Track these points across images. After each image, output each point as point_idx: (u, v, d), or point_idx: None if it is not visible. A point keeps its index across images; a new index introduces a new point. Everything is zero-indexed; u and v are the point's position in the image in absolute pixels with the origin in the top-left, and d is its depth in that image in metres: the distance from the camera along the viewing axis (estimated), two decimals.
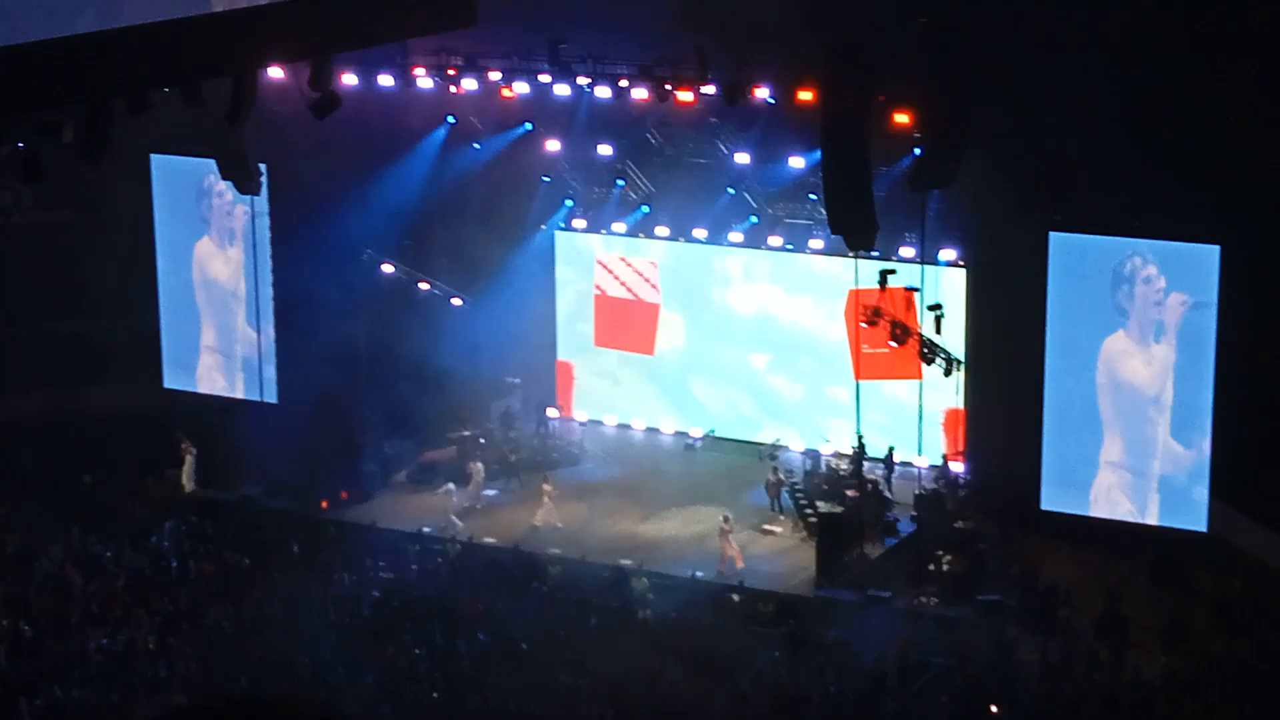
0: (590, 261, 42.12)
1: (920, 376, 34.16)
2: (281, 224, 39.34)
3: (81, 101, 23.62)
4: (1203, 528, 32.88)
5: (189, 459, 38.55)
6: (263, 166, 35.45)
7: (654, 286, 41.55)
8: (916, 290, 32.73)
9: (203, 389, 41.55)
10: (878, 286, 32.39)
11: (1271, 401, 31.43)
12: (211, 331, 41.44)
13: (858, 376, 36.43)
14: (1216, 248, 31.99)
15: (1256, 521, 32.51)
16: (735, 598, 33.02)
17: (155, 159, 40.78)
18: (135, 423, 39.11)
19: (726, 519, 34.68)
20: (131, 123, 28.35)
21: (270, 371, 40.06)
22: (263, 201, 38.76)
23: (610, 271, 41.83)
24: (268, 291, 39.81)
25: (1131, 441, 33.69)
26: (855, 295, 35.11)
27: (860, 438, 35.69)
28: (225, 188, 39.13)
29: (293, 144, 35.81)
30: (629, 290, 41.76)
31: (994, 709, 28.82)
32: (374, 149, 38.16)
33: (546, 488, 36.97)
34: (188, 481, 38.58)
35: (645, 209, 40.55)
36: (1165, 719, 28.27)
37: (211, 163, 35.64)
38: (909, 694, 29.46)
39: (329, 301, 37.05)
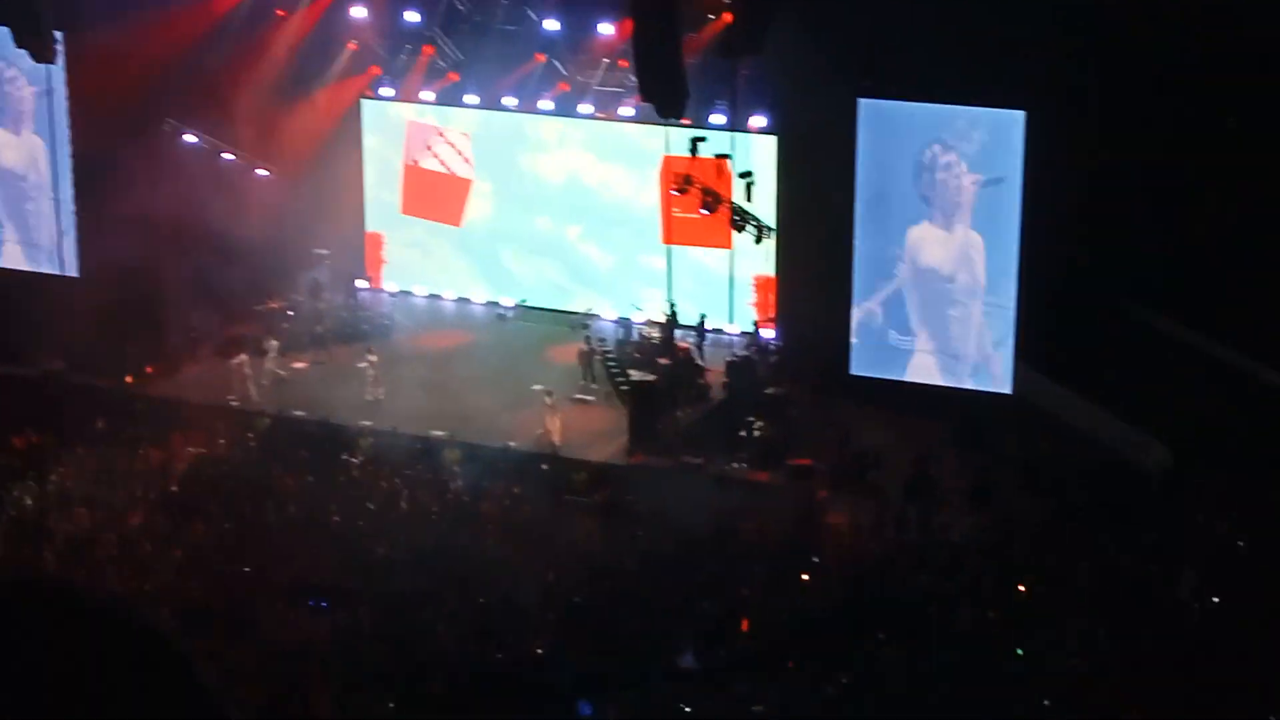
0: (398, 130, 41.54)
1: (731, 245, 34.18)
2: (79, 95, 38.30)
3: None
4: (1008, 390, 33.45)
5: None
6: (59, 34, 34.40)
7: (467, 161, 41.09)
8: (727, 158, 32.62)
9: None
10: (688, 154, 32.30)
11: (1073, 264, 31.86)
12: (10, 223, 40.37)
13: (666, 240, 36.40)
14: (1021, 114, 32.34)
15: (1060, 384, 33.03)
16: (545, 467, 32.96)
17: None
18: None
19: (550, 393, 34.49)
20: None
21: (70, 245, 39.16)
22: (59, 74, 37.69)
23: (426, 145, 41.24)
24: (66, 164, 38.84)
25: (939, 325, 34.07)
26: (668, 162, 35.01)
27: (672, 306, 35.76)
28: (16, 74, 38.09)
29: (90, 11, 34.86)
30: (443, 164, 41.25)
31: (805, 577, 29.04)
32: (174, 17, 37.27)
33: (371, 359, 36.48)
34: None
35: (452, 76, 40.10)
36: (972, 577, 28.72)
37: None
38: (721, 560, 29.63)
39: (130, 173, 36.24)
